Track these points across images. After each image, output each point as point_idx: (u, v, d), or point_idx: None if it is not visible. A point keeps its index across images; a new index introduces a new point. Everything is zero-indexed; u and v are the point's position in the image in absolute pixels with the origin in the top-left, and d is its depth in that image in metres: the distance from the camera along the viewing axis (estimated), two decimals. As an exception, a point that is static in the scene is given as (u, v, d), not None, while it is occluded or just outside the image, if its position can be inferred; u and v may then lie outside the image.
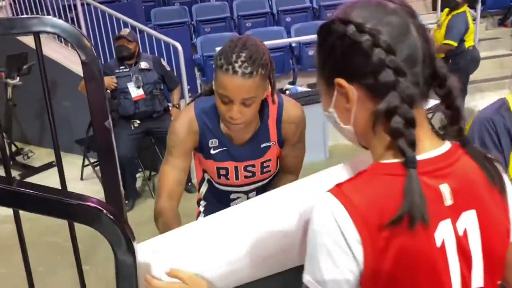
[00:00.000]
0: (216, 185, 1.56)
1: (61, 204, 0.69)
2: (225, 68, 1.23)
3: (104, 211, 0.69)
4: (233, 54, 1.24)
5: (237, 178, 1.50)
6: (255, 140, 1.45)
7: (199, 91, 5.21)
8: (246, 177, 1.50)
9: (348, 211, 0.66)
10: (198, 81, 5.17)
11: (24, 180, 4.37)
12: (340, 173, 0.87)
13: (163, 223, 1.34)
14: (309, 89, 4.20)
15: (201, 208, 1.68)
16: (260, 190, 1.55)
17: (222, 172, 1.49)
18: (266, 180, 1.56)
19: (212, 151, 1.45)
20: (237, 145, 1.46)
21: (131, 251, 0.71)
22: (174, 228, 1.32)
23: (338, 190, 0.69)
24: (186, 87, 4.36)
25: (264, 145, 1.46)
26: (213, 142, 1.44)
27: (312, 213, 0.70)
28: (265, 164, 1.49)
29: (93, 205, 0.69)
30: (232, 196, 1.58)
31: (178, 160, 1.42)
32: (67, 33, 0.93)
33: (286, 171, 1.57)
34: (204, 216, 1.65)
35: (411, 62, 0.68)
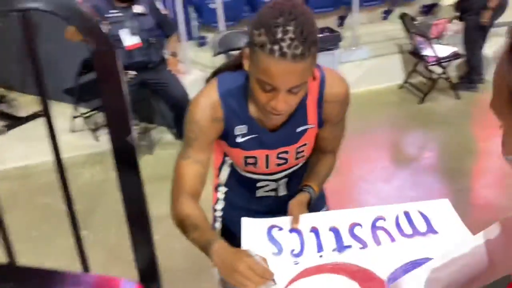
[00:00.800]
0: (241, 172, 1.34)
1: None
2: (269, 49, 0.95)
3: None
4: (277, 28, 0.94)
5: (267, 167, 1.28)
6: (290, 123, 1.21)
7: (193, 34, 4.82)
8: (277, 164, 1.28)
9: None
10: (195, 23, 4.75)
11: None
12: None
13: (195, 230, 1.11)
14: (320, 34, 3.85)
15: (220, 195, 1.46)
16: (292, 176, 1.35)
17: (251, 161, 1.26)
18: (299, 165, 1.34)
19: (239, 139, 1.21)
20: (269, 131, 1.21)
21: None
22: (210, 235, 1.09)
23: None
24: (184, 30, 3.98)
25: (300, 129, 1.22)
26: (240, 129, 1.19)
27: None
28: (299, 149, 1.27)
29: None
30: (259, 184, 1.36)
31: (199, 153, 1.18)
32: (68, 11, 0.64)
33: (323, 152, 1.35)
34: (224, 204, 1.44)
35: None
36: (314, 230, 1.17)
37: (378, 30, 4.98)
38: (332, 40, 3.83)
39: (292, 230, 1.18)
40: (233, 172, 1.38)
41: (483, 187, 3.15)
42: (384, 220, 1.18)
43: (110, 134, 0.69)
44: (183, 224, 1.14)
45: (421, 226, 1.16)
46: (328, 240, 1.14)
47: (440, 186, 3.27)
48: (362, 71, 4.60)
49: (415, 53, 4.46)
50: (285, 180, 1.37)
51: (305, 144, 1.27)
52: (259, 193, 1.40)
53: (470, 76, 4.48)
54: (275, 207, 1.40)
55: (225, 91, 1.16)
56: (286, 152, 1.26)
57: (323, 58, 4.09)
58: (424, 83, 4.58)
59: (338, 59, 4.17)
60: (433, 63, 4.26)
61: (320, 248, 1.12)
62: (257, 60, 0.98)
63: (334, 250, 1.10)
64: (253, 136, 1.21)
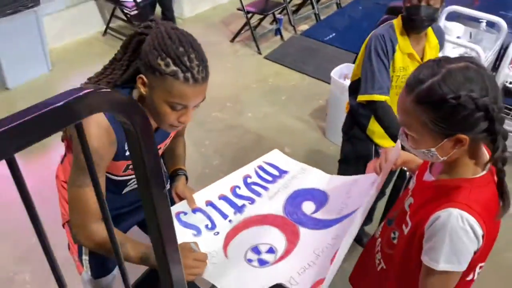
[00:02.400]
0: (112, 177, 1.40)
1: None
2: (184, 77, 1.09)
3: None
4: (184, 57, 1.09)
5: None
6: None
7: None
8: None
9: (477, 220, 0.98)
10: None
11: None
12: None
13: (123, 247, 1.17)
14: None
15: None
16: None
17: (131, 167, 1.34)
18: None
19: (127, 153, 1.28)
20: None
21: None
22: (141, 246, 1.18)
23: (464, 206, 0.97)
24: None
25: None
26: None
27: (447, 224, 0.97)
28: (168, 142, 1.45)
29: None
30: (129, 182, 1.46)
31: (100, 178, 1.19)
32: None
33: (177, 136, 1.57)
34: None
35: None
36: (210, 203, 1.41)
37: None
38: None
39: (194, 210, 1.38)
40: None
41: (241, 114, 3.79)
42: (250, 177, 1.53)
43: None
44: (105, 247, 1.19)
45: (275, 172, 1.56)
46: (225, 207, 1.41)
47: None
48: (62, 23, 4.37)
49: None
50: None
51: (170, 137, 1.43)
52: (126, 190, 1.48)
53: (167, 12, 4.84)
54: (137, 198, 1.52)
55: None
56: (159, 148, 1.39)
57: (25, 18, 3.67)
58: (127, 27, 4.76)
59: (42, 14, 3.85)
60: (134, 9, 4.42)
61: (224, 215, 1.38)
62: (169, 87, 1.10)
63: (235, 213, 1.40)
64: None
